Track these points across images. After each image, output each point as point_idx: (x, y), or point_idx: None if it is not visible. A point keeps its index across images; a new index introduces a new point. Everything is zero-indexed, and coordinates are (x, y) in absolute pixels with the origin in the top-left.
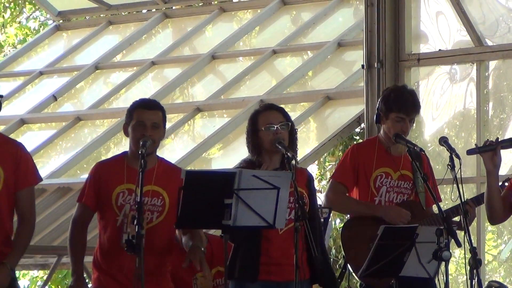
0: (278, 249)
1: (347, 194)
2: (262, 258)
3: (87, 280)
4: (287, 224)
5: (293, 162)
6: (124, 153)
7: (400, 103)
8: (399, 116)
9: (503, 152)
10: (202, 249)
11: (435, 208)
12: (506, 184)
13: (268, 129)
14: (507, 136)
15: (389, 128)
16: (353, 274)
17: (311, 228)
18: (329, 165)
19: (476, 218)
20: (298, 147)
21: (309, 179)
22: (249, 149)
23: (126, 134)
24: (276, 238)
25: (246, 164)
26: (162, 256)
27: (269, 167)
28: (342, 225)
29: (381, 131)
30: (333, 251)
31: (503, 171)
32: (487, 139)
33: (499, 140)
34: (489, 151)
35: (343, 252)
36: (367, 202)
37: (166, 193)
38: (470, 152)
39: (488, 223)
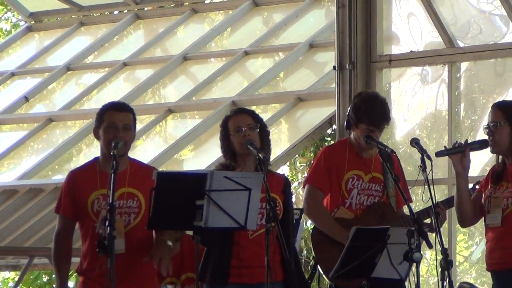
0: (249, 253)
1: (324, 199)
2: (233, 261)
3: None
4: (258, 230)
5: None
6: (96, 158)
7: (370, 116)
8: (369, 128)
9: (475, 154)
10: (169, 243)
11: (405, 209)
12: (477, 186)
13: (237, 132)
14: (478, 138)
15: (359, 136)
16: (324, 275)
17: (285, 234)
18: (301, 166)
19: (447, 220)
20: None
21: (286, 184)
22: (223, 154)
23: (97, 137)
24: (247, 243)
25: (222, 168)
26: (144, 256)
27: (244, 171)
28: (313, 226)
29: (352, 134)
30: (304, 252)
31: (474, 172)
32: (456, 141)
33: (468, 142)
34: (458, 153)
35: (313, 253)
36: (341, 229)
37: (141, 194)
38: (438, 154)
39: None
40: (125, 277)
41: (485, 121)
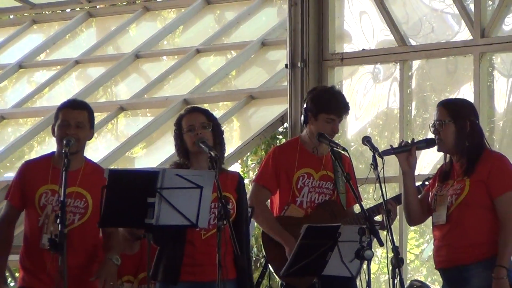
0: (202, 252)
1: (270, 197)
2: (185, 260)
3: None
4: (211, 229)
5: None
6: (52, 153)
7: (331, 105)
8: (330, 117)
9: (425, 153)
10: (116, 262)
11: (355, 208)
12: (427, 183)
13: (190, 131)
14: (430, 136)
15: (316, 129)
16: (274, 273)
17: (239, 232)
18: (252, 163)
19: (398, 218)
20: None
21: (239, 182)
22: (177, 152)
23: (53, 134)
24: (200, 243)
25: (175, 167)
26: (85, 258)
27: (197, 169)
28: None
29: (305, 131)
30: (255, 249)
31: (425, 171)
32: (402, 140)
33: (415, 140)
34: (403, 152)
35: (263, 251)
36: (281, 229)
37: (90, 196)
38: (384, 153)
39: None
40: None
41: (432, 121)
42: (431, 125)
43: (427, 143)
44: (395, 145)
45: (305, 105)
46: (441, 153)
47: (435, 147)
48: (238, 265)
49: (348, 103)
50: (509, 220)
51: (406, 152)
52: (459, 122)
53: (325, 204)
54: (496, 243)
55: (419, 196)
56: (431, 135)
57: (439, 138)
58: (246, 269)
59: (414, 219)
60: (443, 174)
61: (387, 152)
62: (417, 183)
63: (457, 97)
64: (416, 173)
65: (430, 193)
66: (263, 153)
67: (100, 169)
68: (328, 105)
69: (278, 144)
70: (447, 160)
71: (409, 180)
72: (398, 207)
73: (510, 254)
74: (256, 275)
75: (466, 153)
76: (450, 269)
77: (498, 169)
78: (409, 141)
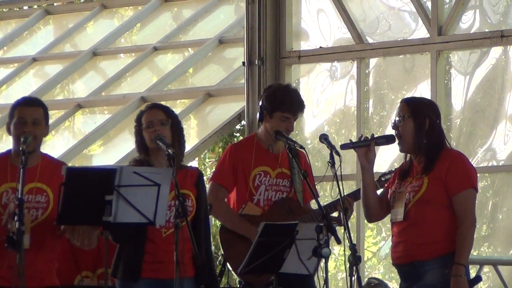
0: (163, 250)
1: (227, 196)
2: (146, 257)
3: None
4: (171, 227)
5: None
6: (9, 151)
7: (286, 103)
8: (284, 115)
9: (383, 150)
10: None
11: (312, 204)
12: (383, 179)
13: (148, 127)
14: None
15: (272, 127)
16: (232, 271)
17: (198, 228)
18: (210, 161)
19: (356, 215)
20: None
21: (199, 178)
22: (137, 149)
23: (9, 133)
24: (161, 241)
25: (135, 163)
26: (49, 253)
27: (156, 167)
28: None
29: (261, 129)
30: (213, 248)
31: (382, 168)
32: (361, 135)
33: (375, 136)
34: (363, 146)
35: (221, 249)
36: (240, 219)
37: (50, 189)
38: (344, 146)
39: None
40: (25, 272)
41: (393, 117)
42: (392, 122)
43: (386, 139)
44: None
45: (260, 103)
46: (398, 151)
47: (394, 144)
48: (196, 262)
49: (303, 101)
50: (467, 218)
51: (365, 147)
52: (418, 118)
53: (282, 201)
54: (452, 240)
55: (378, 193)
56: (388, 133)
57: (398, 133)
58: (205, 266)
59: (372, 216)
60: (402, 172)
61: (346, 146)
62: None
63: (414, 95)
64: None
65: (389, 190)
66: (220, 150)
67: (57, 162)
68: (283, 103)
69: (235, 142)
70: (407, 158)
71: (368, 175)
72: (355, 203)
73: (468, 252)
74: None
75: (424, 150)
76: (406, 265)
77: (456, 167)
78: (369, 137)
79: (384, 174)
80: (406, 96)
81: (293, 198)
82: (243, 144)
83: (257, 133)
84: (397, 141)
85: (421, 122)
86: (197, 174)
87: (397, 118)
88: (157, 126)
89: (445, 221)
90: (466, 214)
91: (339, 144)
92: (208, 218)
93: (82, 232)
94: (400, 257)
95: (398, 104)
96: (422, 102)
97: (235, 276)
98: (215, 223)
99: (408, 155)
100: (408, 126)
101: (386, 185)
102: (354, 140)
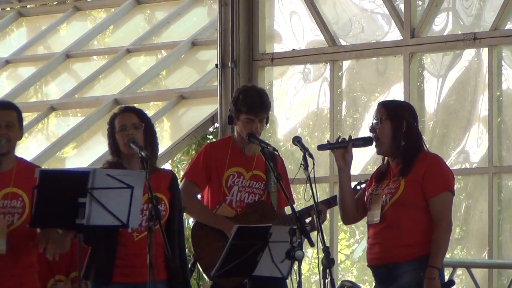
0: (134, 254)
1: (202, 193)
2: (118, 261)
3: None
4: (143, 231)
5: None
6: None
7: (248, 105)
8: (248, 117)
9: (356, 152)
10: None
11: (287, 210)
12: (359, 187)
13: (121, 130)
14: (360, 136)
15: (241, 129)
16: (203, 273)
17: (172, 232)
18: (183, 164)
19: (329, 218)
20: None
21: (173, 180)
22: (110, 152)
23: None
24: (132, 244)
25: (109, 166)
26: (28, 257)
27: (129, 169)
28: (193, 224)
29: (235, 131)
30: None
31: (356, 171)
32: (339, 136)
33: (352, 138)
34: (340, 148)
35: (193, 251)
36: (215, 213)
37: (26, 194)
38: (321, 147)
39: (341, 223)
40: (3, 277)
41: (370, 120)
42: (369, 124)
43: (364, 141)
44: None
45: (229, 106)
46: (372, 154)
47: (372, 147)
48: (169, 266)
49: (266, 101)
50: (443, 221)
51: (343, 148)
52: (396, 121)
53: (255, 204)
54: (427, 243)
55: (355, 196)
56: (362, 135)
57: (375, 136)
58: (178, 270)
59: (348, 218)
60: (379, 174)
61: (323, 147)
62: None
63: (387, 97)
64: None
65: (366, 192)
66: (193, 153)
67: (31, 165)
68: (245, 105)
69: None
70: (385, 161)
71: (345, 176)
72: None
73: (443, 255)
74: None
75: (401, 153)
76: (381, 267)
77: (433, 170)
78: (346, 138)
79: (359, 183)
80: (379, 99)
81: (267, 201)
82: (219, 144)
83: (233, 135)
84: (374, 144)
85: (399, 124)
86: (171, 177)
87: (374, 121)
88: (130, 129)
89: (421, 224)
90: (443, 217)
91: (315, 145)
92: (182, 221)
93: (55, 245)
94: (376, 259)
95: (372, 107)
96: (399, 104)
97: (206, 278)
98: (188, 225)
99: (386, 157)
100: (386, 128)
101: (363, 187)
102: (331, 141)
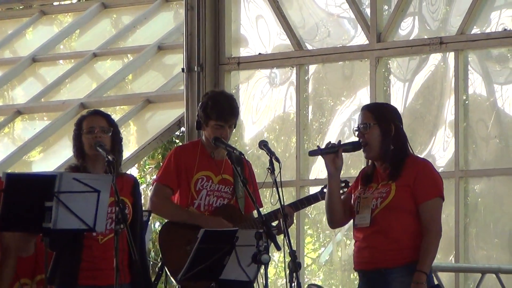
0: (100, 257)
1: (172, 197)
2: (83, 265)
3: None
4: (108, 234)
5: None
6: None
7: (217, 111)
8: (217, 124)
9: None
10: None
11: (255, 214)
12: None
13: (89, 133)
14: (326, 140)
15: (209, 135)
16: (171, 277)
17: (134, 234)
18: (149, 168)
19: (295, 222)
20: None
21: (134, 185)
22: (74, 154)
23: None
24: (97, 247)
25: (71, 170)
26: None
27: (93, 173)
28: (160, 228)
29: (203, 136)
30: (152, 254)
31: (322, 174)
32: (329, 141)
33: (341, 143)
34: (331, 153)
35: (160, 254)
36: (190, 210)
37: None
38: (312, 153)
39: (308, 226)
40: None
41: (336, 124)
42: (355, 129)
43: (353, 146)
44: (292, 149)
45: (197, 112)
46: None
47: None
48: (133, 269)
49: (236, 107)
50: (433, 226)
51: (333, 153)
52: (384, 125)
53: (222, 208)
54: (417, 248)
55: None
56: (327, 139)
57: (364, 141)
58: (141, 272)
59: (336, 221)
60: (365, 177)
61: (314, 153)
62: (317, 189)
63: (353, 101)
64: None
65: (352, 195)
66: (160, 157)
67: None
68: (214, 112)
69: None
70: (369, 163)
71: (334, 182)
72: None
73: (432, 260)
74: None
75: (390, 157)
76: (371, 271)
77: (424, 175)
78: (336, 143)
79: (345, 182)
80: (345, 103)
81: (235, 205)
82: (188, 148)
83: (202, 139)
84: (362, 148)
85: (387, 129)
86: (133, 182)
87: (361, 126)
88: (98, 132)
89: (411, 228)
90: (433, 222)
91: (281, 149)
92: (143, 225)
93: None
94: (366, 263)
95: (338, 111)
96: (385, 108)
97: (174, 282)
98: (155, 229)
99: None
100: (375, 133)
101: (347, 189)
102: (292, 149)
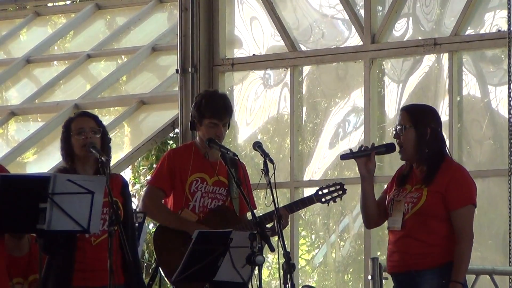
0: (93, 258)
1: (165, 199)
2: (77, 266)
3: None
4: (100, 235)
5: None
6: None
7: (212, 109)
8: (212, 122)
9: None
10: None
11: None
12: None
13: (79, 134)
14: (320, 141)
15: (204, 134)
16: (165, 278)
17: (125, 235)
18: (143, 169)
19: (289, 223)
20: (112, 152)
21: (124, 185)
22: (63, 156)
23: None
24: (91, 249)
25: (61, 172)
26: None
27: (82, 174)
28: (155, 229)
29: (197, 137)
30: (146, 255)
31: (316, 176)
32: (362, 144)
33: (375, 145)
34: (363, 156)
35: (155, 255)
36: (180, 216)
37: None
38: (344, 157)
39: (302, 228)
40: None
41: (330, 126)
42: (393, 129)
43: (387, 148)
44: (286, 151)
45: (191, 112)
46: (333, 159)
47: (334, 149)
48: (126, 270)
49: (230, 105)
50: (466, 234)
51: (366, 157)
52: (420, 128)
53: (217, 209)
54: (449, 250)
55: (376, 199)
56: (321, 140)
57: (399, 142)
58: (133, 273)
59: (371, 222)
60: (401, 178)
61: (346, 156)
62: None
63: (347, 102)
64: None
65: (387, 196)
66: (154, 158)
67: None
68: (209, 109)
69: (169, 149)
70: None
71: (368, 184)
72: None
73: (466, 269)
74: (147, 280)
75: (426, 160)
76: (402, 274)
77: (457, 181)
78: (369, 146)
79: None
80: (339, 104)
81: (229, 206)
82: (181, 150)
83: (196, 141)
84: (398, 150)
85: (423, 132)
86: (122, 182)
87: (398, 127)
88: (88, 133)
89: (442, 233)
90: (465, 231)
91: (275, 151)
92: (134, 226)
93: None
94: (396, 266)
95: (333, 112)
96: (423, 110)
97: (168, 283)
98: (149, 230)
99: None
100: (410, 136)
101: (384, 190)
102: (286, 151)
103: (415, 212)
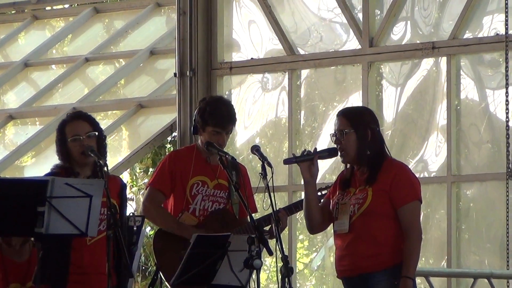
0: (88, 260)
1: (165, 201)
2: (71, 268)
3: None
4: (95, 236)
5: (105, 169)
6: None
7: (216, 118)
8: (215, 130)
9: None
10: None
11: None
12: (324, 192)
13: (75, 140)
14: (318, 145)
15: (206, 140)
16: (165, 282)
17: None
18: (140, 171)
19: (287, 227)
20: (110, 155)
21: (121, 187)
22: (59, 158)
23: None
24: (86, 249)
25: (59, 170)
26: None
27: (79, 177)
28: (152, 232)
29: (199, 140)
30: (143, 258)
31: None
32: (304, 149)
33: (317, 150)
34: (306, 161)
35: (154, 259)
36: (179, 221)
37: None
38: (287, 161)
39: (300, 232)
40: None
41: (328, 129)
42: (331, 134)
43: (329, 153)
44: (284, 154)
45: (194, 115)
46: (331, 162)
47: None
48: (120, 272)
49: (234, 114)
50: (413, 230)
51: (309, 161)
52: (360, 130)
53: (217, 212)
54: (398, 251)
55: (319, 204)
56: (320, 144)
57: (341, 147)
58: (126, 276)
59: (315, 228)
60: (343, 182)
61: (289, 161)
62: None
63: (345, 106)
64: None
65: (331, 200)
66: (150, 161)
67: None
68: (212, 118)
69: (167, 153)
70: (348, 167)
71: (311, 189)
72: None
73: (415, 265)
74: (144, 283)
75: (367, 161)
76: (353, 278)
77: (401, 179)
78: (311, 150)
79: (320, 189)
80: (337, 108)
81: (229, 210)
82: (183, 153)
83: (197, 144)
84: (339, 154)
85: (364, 134)
86: (120, 183)
87: (338, 132)
88: (85, 140)
89: (390, 232)
90: (413, 227)
91: (274, 154)
92: (127, 226)
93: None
94: (347, 270)
95: (331, 115)
96: (361, 112)
97: (168, 286)
98: (146, 234)
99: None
100: (351, 140)
101: (326, 194)
102: (290, 153)
103: (362, 213)
